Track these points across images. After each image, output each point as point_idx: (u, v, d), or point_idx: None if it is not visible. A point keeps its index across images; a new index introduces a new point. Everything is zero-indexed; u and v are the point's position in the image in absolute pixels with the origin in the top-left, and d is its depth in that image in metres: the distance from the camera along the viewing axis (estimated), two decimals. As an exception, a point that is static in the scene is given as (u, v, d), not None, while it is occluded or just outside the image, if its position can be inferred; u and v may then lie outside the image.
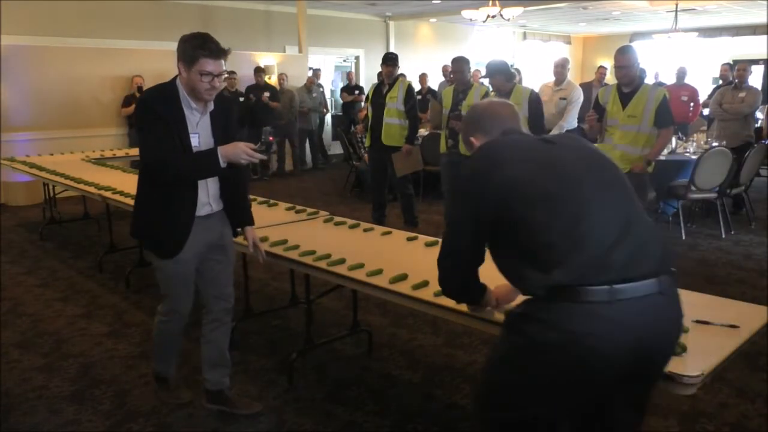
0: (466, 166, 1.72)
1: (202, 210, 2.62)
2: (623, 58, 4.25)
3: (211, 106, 2.58)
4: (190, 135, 2.50)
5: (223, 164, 2.46)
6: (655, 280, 1.55)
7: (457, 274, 1.84)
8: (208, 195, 2.64)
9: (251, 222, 2.83)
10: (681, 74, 8.64)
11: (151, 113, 2.46)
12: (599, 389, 1.59)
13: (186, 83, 2.48)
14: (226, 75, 2.46)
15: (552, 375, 1.56)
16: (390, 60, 5.79)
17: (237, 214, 2.79)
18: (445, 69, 10.94)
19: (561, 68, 6.28)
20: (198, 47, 2.41)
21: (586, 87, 7.60)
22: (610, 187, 1.64)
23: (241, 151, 2.45)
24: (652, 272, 1.55)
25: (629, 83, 4.29)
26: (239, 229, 2.83)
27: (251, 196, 4.23)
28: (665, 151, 6.28)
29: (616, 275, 1.52)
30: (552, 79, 6.37)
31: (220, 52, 2.43)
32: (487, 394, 1.79)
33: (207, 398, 2.89)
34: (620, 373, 1.55)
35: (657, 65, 12.79)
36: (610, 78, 16.39)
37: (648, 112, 4.21)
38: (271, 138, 2.65)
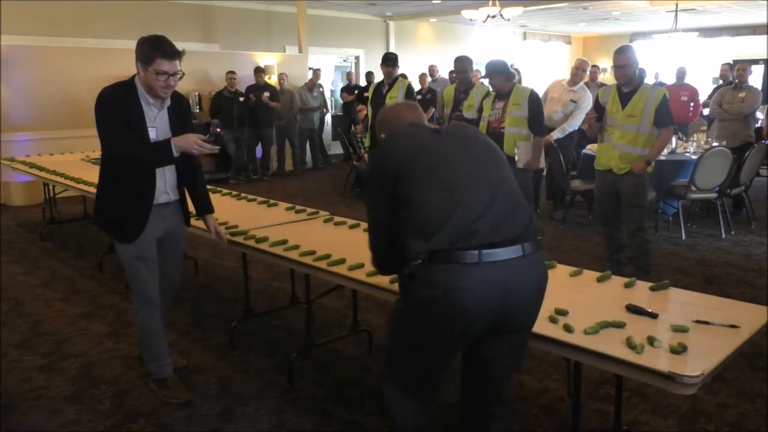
0: (374, 156, 2.06)
1: (160, 198, 2.84)
2: (621, 57, 4.25)
3: (168, 102, 2.80)
4: (148, 128, 2.73)
5: (176, 153, 2.67)
6: (519, 246, 1.83)
7: (380, 248, 2.08)
8: (165, 184, 2.87)
9: (211, 210, 3.10)
10: (681, 74, 8.64)
11: (109, 108, 2.69)
12: (472, 337, 1.90)
13: (143, 81, 2.70)
14: (181, 74, 2.71)
15: (433, 326, 1.86)
16: (389, 60, 5.78)
17: (198, 203, 3.06)
18: (432, 69, 10.97)
19: (580, 71, 6.25)
20: (154, 48, 2.64)
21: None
22: (482, 167, 1.92)
23: (192, 141, 2.68)
24: (516, 239, 1.82)
25: (628, 83, 4.28)
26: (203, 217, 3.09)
27: (251, 196, 4.26)
28: (665, 151, 6.28)
29: (483, 241, 1.79)
30: (561, 77, 6.34)
31: (174, 53, 2.65)
32: (389, 352, 2.13)
33: (141, 361, 3.19)
34: (488, 323, 1.85)
35: (657, 65, 12.80)
36: (609, 78, 16.41)
37: (647, 112, 4.20)
38: (218, 130, 2.85)
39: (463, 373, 2.09)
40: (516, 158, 4.75)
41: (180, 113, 2.90)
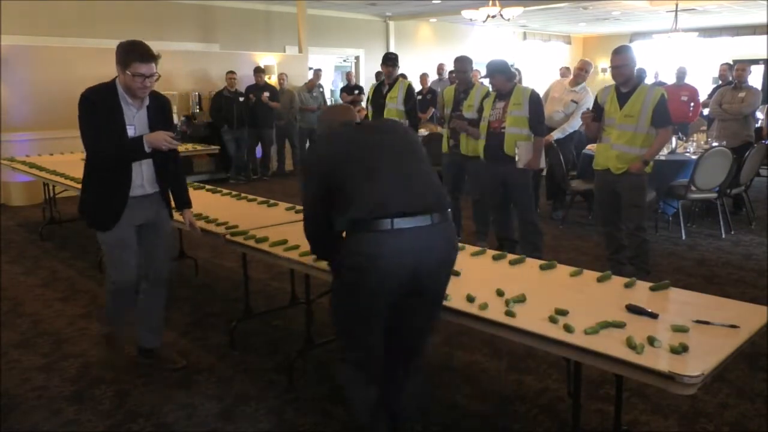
0: (310, 152, 2.42)
1: (136, 191, 3.05)
2: (618, 57, 4.26)
3: (147, 102, 3.01)
4: (127, 126, 2.95)
5: (147, 149, 2.90)
6: (428, 216, 2.11)
7: (313, 235, 2.33)
8: (142, 178, 3.07)
9: (188, 205, 3.31)
10: (681, 74, 8.64)
11: (90, 106, 2.90)
12: (392, 298, 2.14)
13: (123, 83, 2.91)
14: (157, 76, 2.93)
15: (360, 288, 2.13)
16: (389, 60, 5.78)
17: (175, 197, 3.29)
18: (440, 68, 10.96)
19: (583, 72, 6.25)
20: (131, 53, 2.86)
21: None
22: (398, 154, 2.23)
23: (161, 138, 2.91)
24: (424, 210, 2.12)
25: (625, 83, 4.29)
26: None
27: (251, 196, 4.27)
28: (665, 151, 6.28)
29: (395, 210, 2.07)
30: (561, 77, 6.33)
31: (150, 57, 2.89)
32: (337, 333, 2.48)
33: (139, 352, 3.39)
34: (404, 284, 2.11)
35: (657, 65, 12.80)
36: (609, 78, 16.31)
37: (645, 112, 4.20)
38: (184, 128, 2.99)
39: (385, 337, 2.29)
40: (516, 158, 4.75)
41: (159, 111, 3.09)
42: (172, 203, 3.27)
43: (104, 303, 4.29)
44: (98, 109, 2.89)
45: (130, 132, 2.95)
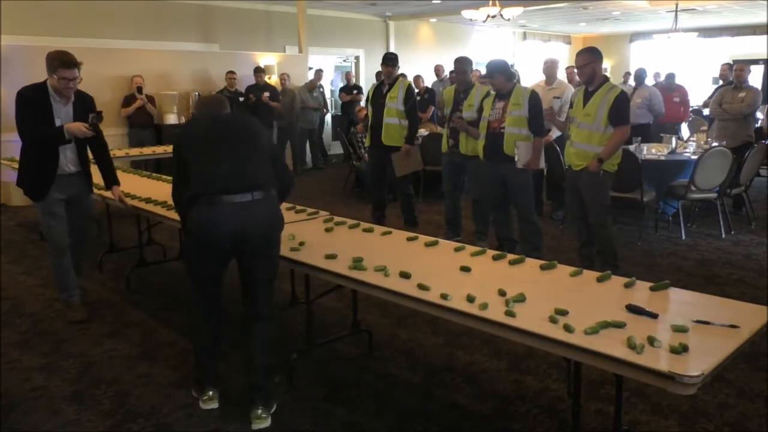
0: (176, 134, 2.97)
1: (62, 170, 3.80)
2: (579, 58, 4.40)
3: (72, 99, 3.76)
4: (55, 118, 3.69)
5: (67, 136, 3.65)
6: (251, 193, 2.69)
7: (177, 198, 2.89)
8: (66, 160, 3.83)
9: (116, 182, 4.11)
10: (670, 78, 8.74)
11: (25, 101, 3.64)
12: (222, 255, 2.78)
13: (51, 84, 3.66)
14: (79, 79, 3.69)
15: (196, 246, 2.79)
16: (389, 60, 5.78)
17: (104, 177, 4.10)
18: (438, 69, 10.95)
19: (550, 68, 6.28)
20: (57, 60, 3.57)
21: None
22: (238, 145, 2.77)
23: (77, 128, 3.65)
24: (249, 189, 2.69)
25: (587, 82, 4.39)
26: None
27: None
28: (665, 151, 6.29)
29: (224, 187, 2.66)
30: (541, 78, 6.35)
31: (73, 65, 3.60)
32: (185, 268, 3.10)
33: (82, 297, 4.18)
34: (232, 245, 2.72)
35: (657, 65, 12.81)
36: (610, 78, 16.23)
37: (602, 111, 4.25)
38: (96, 120, 3.82)
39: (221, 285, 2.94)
40: (516, 158, 4.76)
41: (82, 107, 3.82)
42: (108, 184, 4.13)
43: (105, 304, 4.34)
44: (31, 103, 3.63)
45: (57, 123, 3.68)
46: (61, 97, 3.69)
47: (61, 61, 3.55)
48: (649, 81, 8.76)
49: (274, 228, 2.81)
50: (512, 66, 5.29)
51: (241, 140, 2.80)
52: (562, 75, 6.55)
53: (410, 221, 6.03)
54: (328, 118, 12.16)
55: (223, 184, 2.67)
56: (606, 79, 4.43)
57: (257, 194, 2.71)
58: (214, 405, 2.93)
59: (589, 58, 4.35)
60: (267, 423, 2.78)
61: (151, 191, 4.51)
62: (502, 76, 4.84)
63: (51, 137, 3.67)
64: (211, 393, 2.95)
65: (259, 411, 2.79)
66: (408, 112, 5.74)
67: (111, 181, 4.09)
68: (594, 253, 4.60)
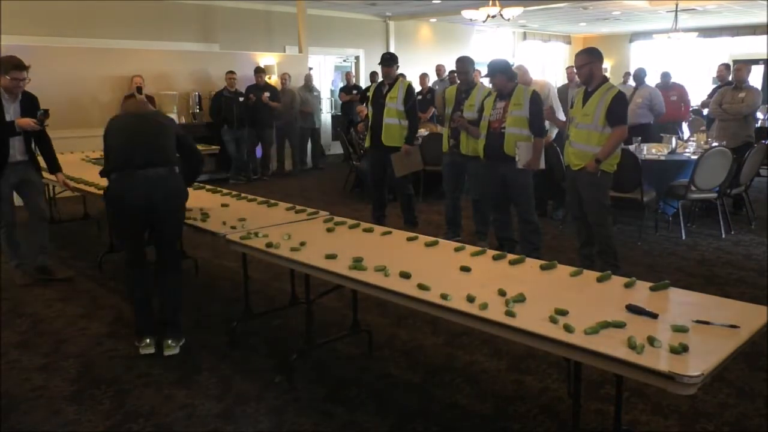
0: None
1: (12, 158, 4.44)
2: (577, 59, 4.41)
3: (19, 98, 4.40)
4: (5, 114, 4.31)
5: (18, 129, 4.33)
6: (155, 169, 3.37)
7: (104, 173, 3.57)
8: (15, 150, 4.45)
9: (58, 169, 4.77)
10: (666, 78, 8.75)
11: None
12: (138, 220, 3.43)
13: (3, 85, 4.29)
14: (28, 80, 4.36)
15: (114, 213, 3.56)
16: (386, 60, 5.78)
17: (47, 164, 4.74)
18: (439, 69, 10.95)
19: (521, 78, 6.29)
20: (9, 63, 4.29)
21: (563, 89, 7.65)
22: (149, 134, 3.48)
23: (26, 123, 4.33)
24: (155, 166, 3.37)
25: (586, 82, 4.39)
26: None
27: (251, 196, 4.27)
28: (665, 151, 6.29)
29: (136, 166, 3.35)
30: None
31: (23, 67, 4.30)
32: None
33: (36, 270, 4.79)
34: (143, 209, 3.37)
35: (657, 65, 12.80)
36: (610, 78, 16.26)
37: (599, 111, 4.25)
38: (43, 117, 4.43)
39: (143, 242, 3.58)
40: (516, 158, 4.76)
41: (27, 105, 4.45)
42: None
43: (105, 304, 4.35)
44: None
45: (7, 118, 4.30)
46: (10, 95, 4.34)
47: (14, 65, 4.27)
48: (653, 81, 8.76)
49: (177, 197, 3.50)
50: (512, 66, 5.28)
51: (150, 130, 3.53)
52: (535, 75, 6.49)
53: (410, 221, 6.03)
54: (327, 118, 12.16)
55: (135, 161, 3.36)
56: (605, 79, 4.43)
57: (162, 170, 3.40)
58: (151, 350, 3.48)
59: (587, 58, 4.35)
60: (175, 351, 3.49)
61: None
62: (503, 76, 4.84)
63: (3, 130, 4.30)
64: (148, 341, 3.50)
65: (170, 341, 3.50)
66: (408, 112, 5.74)
67: (54, 168, 4.76)
68: (594, 252, 4.60)
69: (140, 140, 3.44)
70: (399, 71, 5.95)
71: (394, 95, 5.72)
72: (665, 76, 8.72)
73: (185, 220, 3.62)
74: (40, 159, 4.74)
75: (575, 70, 4.49)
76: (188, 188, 3.68)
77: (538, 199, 6.68)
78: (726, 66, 8.04)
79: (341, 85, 12.53)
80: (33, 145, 4.62)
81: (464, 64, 5.51)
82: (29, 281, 4.72)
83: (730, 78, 7.78)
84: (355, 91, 11.24)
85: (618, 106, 4.25)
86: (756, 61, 13.34)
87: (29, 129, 4.36)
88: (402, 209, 6.11)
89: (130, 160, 3.36)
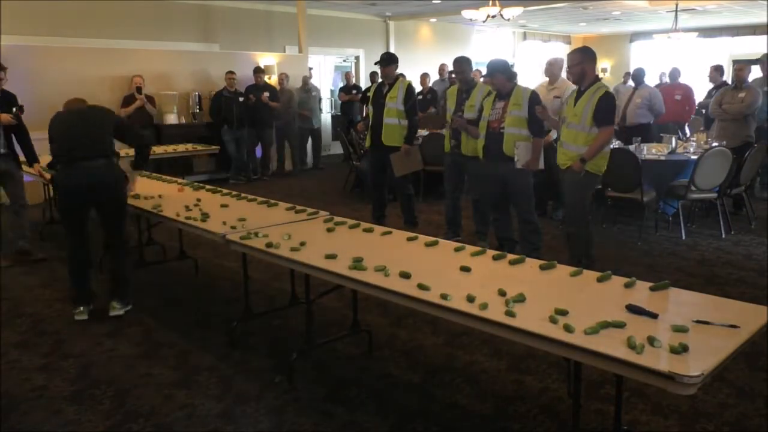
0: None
1: None
2: (569, 58, 4.40)
3: None
4: None
5: None
6: (95, 160, 3.87)
7: (50, 165, 4.13)
8: None
9: (35, 161, 5.18)
10: (674, 74, 8.68)
11: None
12: (79, 205, 3.96)
13: None
14: (6, 80, 4.96)
15: (60, 197, 4.04)
16: (383, 61, 5.80)
17: (26, 156, 5.16)
18: (441, 68, 10.95)
19: (552, 67, 6.27)
20: None
21: None
22: (88, 127, 3.96)
23: (4, 118, 4.85)
24: (94, 157, 3.87)
25: (577, 81, 4.38)
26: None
27: (251, 196, 4.27)
28: (665, 151, 6.29)
29: (76, 155, 3.84)
30: (545, 79, 6.34)
31: (1, 68, 4.93)
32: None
33: (17, 253, 5.32)
34: (85, 195, 3.90)
35: (657, 65, 12.80)
36: (609, 78, 16.30)
37: (587, 111, 4.23)
38: (19, 112, 4.95)
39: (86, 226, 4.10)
40: (515, 158, 4.75)
41: (6, 102, 4.95)
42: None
43: (105, 304, 4.34)
44: None
45: None
46: None
47: None
48: (654, 81, 8.73)
49: (114, 185, 4.00)
50: (512, 66, 5.29)
51: (88, 124, 3.98)
52: (565, 74, 6.51)
53: (410, 221, 6.03)
54: (326, 118, 12.16)
55: (75, 154, 3.84)
56: (597, 79, 4.38)
57: (101, 160, 3.90)
58: (84, 317, 4.03)
59: (578, 58, 4.33)
60: (119, 313, 4.07)
61: (150, 190, 4.52)
62: (502, 75, 4.84)
63: None
64: (81, 308, 4.06)
65: (116, 304, 4.10)
66: (408, 112, 5.74)
67: (32, 159, 5.18)
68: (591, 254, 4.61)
69: (79, 134, 3.91)
70: (399, 71, 5.95)
71: (394, 95, 5.72)
72: (674, 72, 8.66)
73: (186, 219, 3.70)
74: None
75: (568, 69, 4.48)
76: (143, 170, 4.66)
77: (538, 199, 6.69)
78: (716, 68, 8.05)
79: (341, 85, 12.54)
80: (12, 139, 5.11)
81: (460, 64, 5.53)
82: (11, 263, 5.21)
83: (723, 79, 7.79)
84: (354, 91, 11.23)
85: (604, 106, 4.21)
86: (756, 61, 13.32)
87: (6, 123, 4.90)
88: (402, 209, 6.11)
89: (71, 153, 3.86)
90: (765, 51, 7.80)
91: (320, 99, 11.28)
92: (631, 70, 9.21)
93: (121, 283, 4.15)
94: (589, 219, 4.59)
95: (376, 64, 5.90)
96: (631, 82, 8.94)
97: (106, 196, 3.97)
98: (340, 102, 11.88)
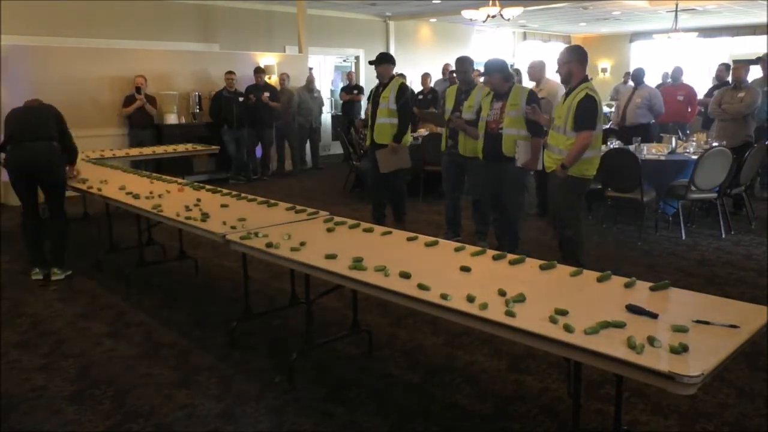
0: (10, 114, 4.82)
1: None
2: (558, 58, 4.33)
3: None
4: None
5: None
6: (40, 143, 4.62)
7: (2, 148, 4.83)
8: None
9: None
10: (677, 74, 8.66)
11: None
12: (25, 175, 4.68)
13: None
14: None
15: (10, 170, 4.72)
16: (377, 60, 5.83)
17: None
18: (445, 68, 10.94)
19: (533, 69, 6.27)
20: None
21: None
22: (38, 119, 4.73)
23: None
24: (38, 140, 4.62)
25: (564, 81, 4.32)
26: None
27: (251, 196, 4.27)
28: (665, 151, 6.29)
29: (23, 138, 4.61)
30: (532, 84, 6.34)
31: None
32: None
33: None
34: (30, 172, 4.67)
35: (657, 65, 12.80)
36: (609, 78, 16.27)
37: (569, 114, 4.14)
38: None
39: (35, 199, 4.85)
40: (516, 156, 4.75)
41: None
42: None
43: (105, 304, 4.35)
44: None
45: None
46: None
47: None
48: (656, 81, 8.70)
49: (54, 163, 4.72)
50: (512, 66, 5.28)
51: (36, 116, 4.76)
52: (551, 75, 6.48)
53: (398, 219, 6.01)
54: (327, 118, 12.15)
55: (24, 137, 4.58)
56: (585, 79, 4.22)
57: (42, 143, 4.63)
58: (39, 277, 4.79)
59: (565, 57, 4.26)
60: (60, 277, 4.80)
61: (151, 191, 4.52)
62: (499, 75, 4.83)
63: None
64: (37, 270, 4.84)
65: (56, 270, 4.82)
66: (399, 111, 5.75)
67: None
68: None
69: (29, 122, 4.69)
70: (400, 71, 5.96)
71: (387, 94, 5.75)
72: (677, 72, 8.63)
73: (184, 220, 3.67)
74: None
75: (557, 69, 4.39)
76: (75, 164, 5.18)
77: (541, 199, 6.71)
78: (725, 66, 8.03)
79: (341, 84, 12.53)
80: None
81: (462, 64, 5.53)
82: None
83: (727, 78, 7.76)
84: (356, 91, 11.23)
85: (582, 110, 4.07)
86: (755, 61, 13.31)
87: None
88: (392, 206, 6.11)
89: (20, 136, 4.59)
90: (765, 51, 7.80)
91: (322, 102, 11.26)
92: (631, 70, 9.20)
93: (59, 251, 4.86)
94: (580, 224, 4.52)
95: (370, 63, 5.92)
96: (631, 82, 8.95)
97: (46, 172, 4.68)
98: (341, 102, 11.88)
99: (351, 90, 11.31)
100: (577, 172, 4.23)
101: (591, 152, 4.21)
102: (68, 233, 4.96)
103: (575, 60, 4.23)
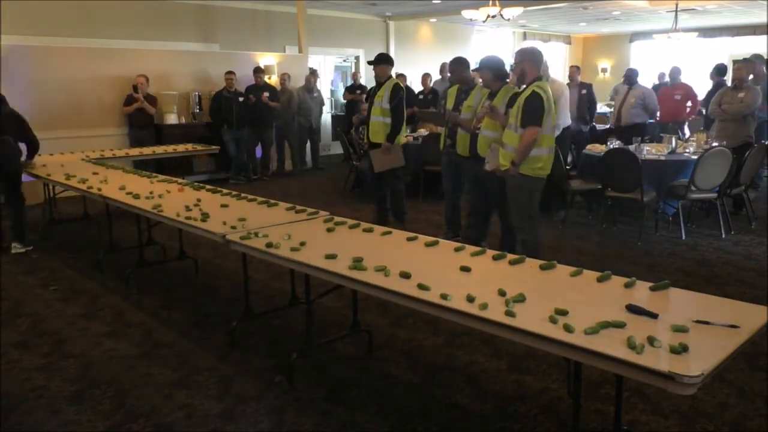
0: None
1: None
2: (514, 57, 4.39)
3: None
4: None
5: None
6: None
7: None
8: None
9: None
10: (674, 74, 8.66)
11: None
12: None
13: None
14: None
15: None
16: (375, 60, 5.87)
17: None
18: (443, 67, 10.95)
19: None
20: None
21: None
22: (7, 124, 5.47)
23: None
24: (2, 133, 5.43)
25: (518, 81, 4.37)
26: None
27: (251, 196, 4.27)
28: (665, 151, 6.28)
29: None
30: (570, 77, 6.34)
31: None
32: None
33: None
34: None
35: (657, 65, 12.79)
36: (609, 78, 16.26)
37: (519, 112, 4.20)
38: None
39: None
40: (486, 160, 4.68)
41: None
42: None
43: (105, 304, 4.35)
44: None
45: None
46: None
47: None
48: (653, 81, 8.71)
49: (10, 154, 5.38)
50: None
51: (6, 122, 5.36)
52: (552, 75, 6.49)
53: (398, 216, 6.05)
54: (327, 118, 12.15)
55: None
56: (537, 79, 4.22)
57: (3, 137, 5.26)
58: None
59: (518, 57, 4.33)
60: (20, 251, 5.50)
61: (151, 191, 4.52)
62: (489, 72, 4.80)
63: None
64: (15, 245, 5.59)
65: (17, 244, 5.52)
66: (392, 111, 5.78)
67: None
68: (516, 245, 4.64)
69: None
70: (401, 72, 5.99)
71: (381, 94, 5.79)
72: (674, 72, 8.64)
73: (187, 221, 3.67)
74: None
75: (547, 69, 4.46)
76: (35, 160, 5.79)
77: (541, 198, 6.69)
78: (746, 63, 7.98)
79: (341, 84, 12.53)
80: None
81: (453, 65, 5.62)
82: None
83: (750, 77, 7.65)
84: (359, 91, 11.25)
85: (529, 107, 4.12)
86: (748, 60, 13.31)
87: None
88: (391, 203, 6.16)
89: None
90: (765, 51, 7.79)
91: (322, 102, 11.26)
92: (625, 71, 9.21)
93: (19, 228, 5.59)
94: (536, 225, 4.51)
95: (369, 63, 5.97)
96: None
97: (6, 165, 5.39)
98: (341, 102, 11.88)
99: (354, 90, 11.31)
100: (529, 171, 4.25)
101: (539, 150, 4.21)
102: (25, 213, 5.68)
103: (527, 60, 4.29)
